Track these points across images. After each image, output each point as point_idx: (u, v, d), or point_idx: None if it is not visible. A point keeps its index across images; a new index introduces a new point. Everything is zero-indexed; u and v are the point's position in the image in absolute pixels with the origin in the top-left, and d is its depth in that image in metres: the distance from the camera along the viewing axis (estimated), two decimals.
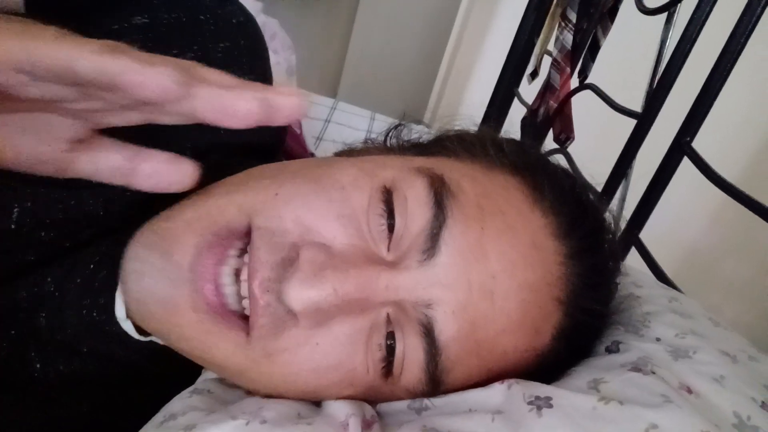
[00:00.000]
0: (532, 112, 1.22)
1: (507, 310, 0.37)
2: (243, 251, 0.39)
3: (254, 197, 0.39)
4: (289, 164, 0.44)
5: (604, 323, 0.45)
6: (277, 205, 0.38)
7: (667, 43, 0.89)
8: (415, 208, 0.38)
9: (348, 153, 0.52)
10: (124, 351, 0.43)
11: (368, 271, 0.36)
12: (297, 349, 0.37)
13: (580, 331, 0.42)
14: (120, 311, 0.41)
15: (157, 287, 0.37)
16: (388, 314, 0.38)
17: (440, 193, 0.38)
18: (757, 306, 1.49)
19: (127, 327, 0.42)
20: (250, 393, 0.42)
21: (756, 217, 0.57)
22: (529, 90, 1.26)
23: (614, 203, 0.85)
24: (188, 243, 0.37)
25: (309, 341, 0.37)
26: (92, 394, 0.44)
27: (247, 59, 0.52)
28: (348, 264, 0.36)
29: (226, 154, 0.50)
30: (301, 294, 0.35)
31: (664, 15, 0.88)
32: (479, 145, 0.46)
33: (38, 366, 0.42)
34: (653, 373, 0.36)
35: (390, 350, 0.38)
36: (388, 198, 0.38)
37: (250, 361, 0.37)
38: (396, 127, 0.53)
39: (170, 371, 0.45)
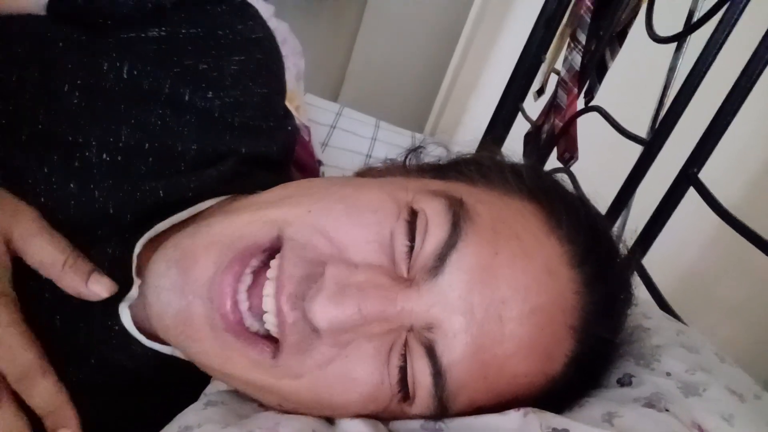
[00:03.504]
0: (536, 128, 1.23)
1: (518, 334, 0.37)
2: (260, 267, 0.39)
3: (287, 212, 0.40)
4: (318, 182, 0.45)
5: (615, 352, 0.46)
6: (310, 221, 0.39)
7: (677, 71, 0.90)
8: (433, 228, 0.38)
9: (368, 173, 0.53)
10: (130, 360, 0.44)
11: (389, 292, 0.37)
12: (328, 365, 0.37)
13: (591, 358, 0.42)
14: (126, 318, 0.42)
15: (174, 303, 0.37)
16: (406, 336, 0.38)
17: (458, 214, 0.39)
18: (751, 328, 1.51)
19: (133, 330, 0.42)
20: (263, 406, 0.42)
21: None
22: (534, 106, 1.27)
23: (616, 230, 0.85)
24: (209, 260, 0.38)
25: (339, 354, 0.37)
26: (98, 400, 0.44)
27: (263, 73, 0.52)
28: (371, 284, 0.37)
29: (239, 161, 0.51)
30: (326, 312, 0.35)
31: (675, 42, 0.89)
32: (497, 171, 0.47)
33: None
34: (667, 410, 0.37)
35: (404, 372, 0.38)
36: (412, 219, 0.39)
37: (275, 379, 0.38)
38: (415, 149, 0.54)
39: (176, 380, 0.45)
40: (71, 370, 0.42)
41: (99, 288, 0.41)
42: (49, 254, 0.40)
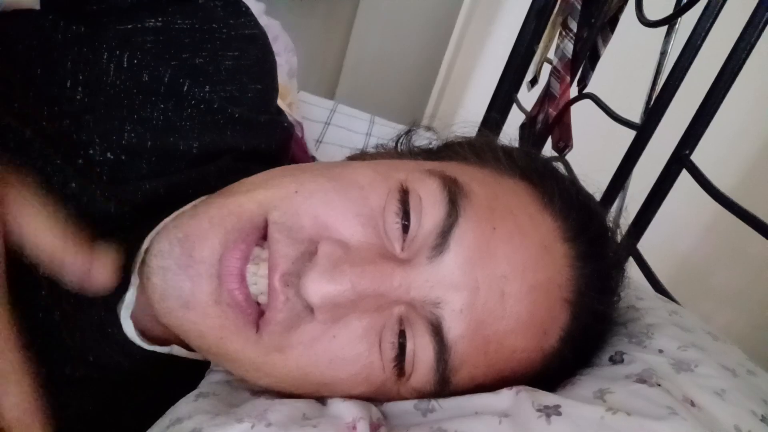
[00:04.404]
0: (531, 118, 1.22)
1: (517, 310, 0.38)
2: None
3: (274, 194, 0.40)
4: (308, 165, 0.45)
5: (608, 329, 0.46)
6: (296, 201, 0.39)
7: (668, 56, 0.90)
8: (428, 207, 0.39)
9: (361, 157, 0.53)
10: (127, 359, 0.44)
11: (384, 268, 0.37)
12: (313, 343, 0.37)
13: (586, 334, 0.43)
14: (128, 326, 0.42)
15: (179, 283, 0.37)
16: (400, 313, 0.38)
17: (454, 192, 0.39)
18: (748, 315, 1.51)
19: (134, 337, 0.42)
20: (256, 394, 0.42)
21: (749, 227, 0.57)
22: (528, 97, 1.27)
23: (612, 213, 0.85)
24: (213, 239, 0.38)
25: (325, 334, 0.37)
26: (95, 395, 0.44)
27: (256, 69, 0.53)
28: (365, 261, 0.37)
29: (236, 157, 0.51)
30: (320, 288, 0.35)
31: (665, 27, 0.89)
32: (489, 152, 0.47)
33: (43, 370, 0.42)
34: (658, 385, 0.37)
35: (402, 349, 0.38)
36: (404, 198, 0.39)
37: (263, 355, 0.38)
38: (406, 133, 0.54)
39: (173, 376, 0.45)
40: (69, 366, 0.42)
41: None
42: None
